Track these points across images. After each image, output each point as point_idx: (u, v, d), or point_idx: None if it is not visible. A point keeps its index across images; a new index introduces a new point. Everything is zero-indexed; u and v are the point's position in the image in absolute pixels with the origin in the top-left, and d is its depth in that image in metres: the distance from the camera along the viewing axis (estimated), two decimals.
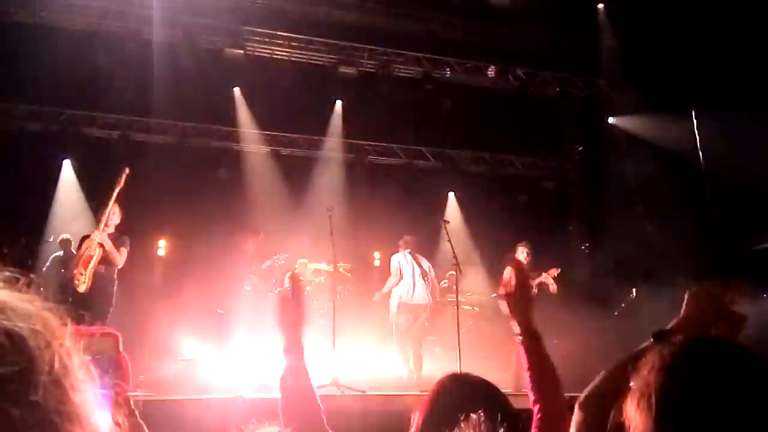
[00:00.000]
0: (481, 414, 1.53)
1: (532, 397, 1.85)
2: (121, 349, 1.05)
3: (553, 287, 8.32)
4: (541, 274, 8.34)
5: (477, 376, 1.89)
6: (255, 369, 6.88)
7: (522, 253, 8.44)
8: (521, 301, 1.98)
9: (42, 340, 0.60)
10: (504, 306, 1.99)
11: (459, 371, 1.97)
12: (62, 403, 0.59)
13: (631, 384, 1.12)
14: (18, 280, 0.64)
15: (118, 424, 0.86)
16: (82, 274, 6.40)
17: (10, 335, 0.59)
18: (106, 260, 6.61)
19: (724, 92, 9.36)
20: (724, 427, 1.01)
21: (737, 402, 1.03)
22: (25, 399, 0.57)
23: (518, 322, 1.93)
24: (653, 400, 1.06)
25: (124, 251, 6.76)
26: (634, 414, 1.09)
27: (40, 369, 0.59)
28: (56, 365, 0.60)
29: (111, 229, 6.82)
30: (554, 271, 8.34)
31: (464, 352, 7.26)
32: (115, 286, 6.80)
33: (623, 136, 11.79)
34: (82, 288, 6.39)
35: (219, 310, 8.16)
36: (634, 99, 11.33)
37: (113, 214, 6.84)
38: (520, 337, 1.92)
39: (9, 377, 0.56)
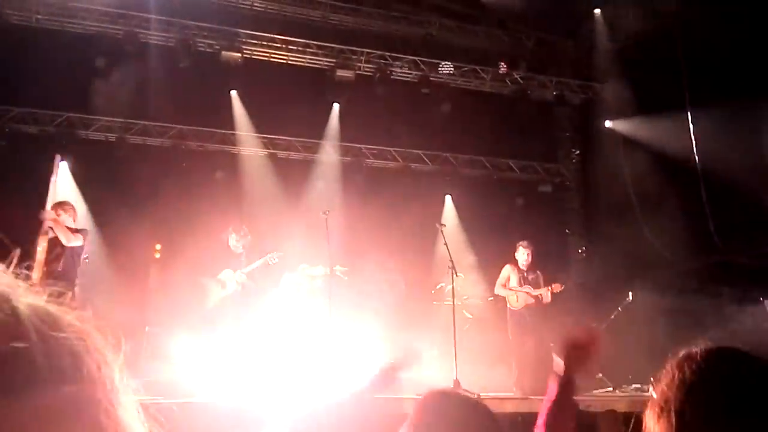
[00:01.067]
0: None
1: (540, 420, 1.90)
2: None
3: (547, 299, 8.28)
4: (541, 286, 8.30)
5: (465, 395, 1.89)
6: (248, 372, 6.86)
7: (523, 254, 8.41)
8: (581, 361, 2.05)
9: (98, 358, 0.60)
10: (559, 353, 2.05)
11: (447, 388, 1.98)
12: (115, 423, 0.59)
13: (653, 395, 1.14)
14: (63, 294, 0.64)
15: None
16: (34, 269, 6.27)
17: (73, 354, 0.58)
18: (59, 253, 6.46)
19: (721, 95, 9.39)
20: None
21: (757, 417, 1.03)
22: (88, 421, 0.56)
23: (566, 370, 2.01)
24: (673, 415, 1.07)
25: (80, 236, 6.65)
26: (654, 426, 1.11)
27: (99, 390, 0.58)
28: (110, 385, 0.60)
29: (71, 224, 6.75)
30: (557, 287, 8.30)
31: (461, 355, 7.25)
32: (76, 288, 6.69)
33: (620, 139, 11.82)
34: (34, 279, 6.23)
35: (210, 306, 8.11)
36: (630, 102, 11.36)
37: (64, 212, 6.74)
38: (559, 377, 2.00)
39: (72, 398, 0.55)
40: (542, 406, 1.99)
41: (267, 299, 8.14)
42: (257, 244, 8.13)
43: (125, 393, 0.61)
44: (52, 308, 0.60)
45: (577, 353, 2.03)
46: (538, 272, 8.46)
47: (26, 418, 0.53)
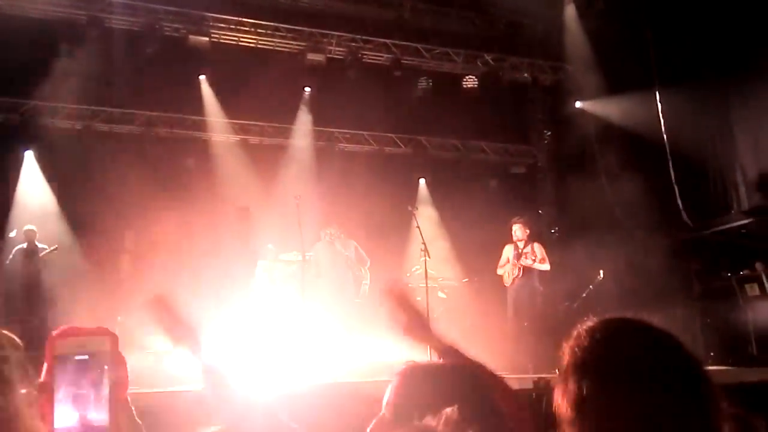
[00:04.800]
0: (455, 410, 1.52)
1: None
2: (118, 348, 1.04)
3: (543, 268, 8.45)
4: (536, 257, 8.42)
5: (443, 363, 1.88)
6: (224, 360, 6.84)
7: (516, 230, 8.57)
8: (418, 329, 1.90)
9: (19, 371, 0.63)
10: (412, 342, 1.88)
11: (424, 361, 1.92)
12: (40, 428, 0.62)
13: (557, 375, 1.18)
14: None
15: (115, 425, 0.88)
16: None
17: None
18: None
19: (688, 74, 9.52)
20: (641, 414, 1.05)
21: (648, 382, 1.07)
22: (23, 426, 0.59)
23: (432, 348, 1.86)
24: (574, 394, 1.11)
25: None
26: (562, 403, 1.14)
27: (27, 398, 0.61)
28: (32, 395, 0.63)
29: None
30: (539, 247, 8.48)
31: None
32: None
33: (590, 119, 11.92)
34: None
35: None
36: (600, 83, 11.45)
37: None
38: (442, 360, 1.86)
39: (13, 403, 0.58)
40: None
41: (244, 288, 8.10)
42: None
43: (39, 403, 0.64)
44: None
45: (405, 319, 1.90)
46: (534, 244, 8.57)
47: None
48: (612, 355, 1.11)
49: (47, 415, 0.84)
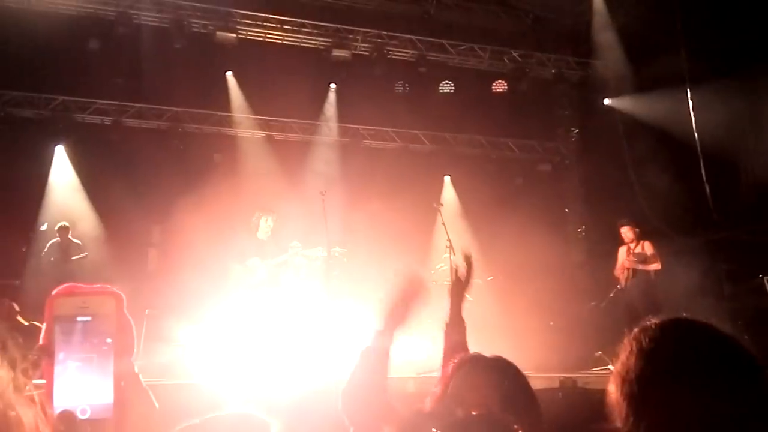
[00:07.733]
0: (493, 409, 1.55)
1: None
2: (124, 310, 0.93)
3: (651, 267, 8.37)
4: (647, 257, 8.38)
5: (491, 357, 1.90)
6: (246, 353, 6.89)
7: (624, 232, 8.57)
8: (462, 291, 2.11)
9: None
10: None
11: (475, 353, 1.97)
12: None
13: (612, 367, 1.20)
14: None
15: (120, 397, 0.81)
16: None
17: None
18: None
19: (720, 71, 9.33)
20: (700, 409, 1.07)
21: (712, 381, 1.09)
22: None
23: (451, 307, 2.08)
24: (634, 382, 1.13)
25: None
26: (618, 395, 1.15)
27: None
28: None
29: None
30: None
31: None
32: None
33: (618, 117, 11.75)
34: None
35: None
36: (629, 80, 11.28)
37: None
38: (446, 325, 2.09)
39: None
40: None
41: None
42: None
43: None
44: None
45: (405, 303, 1.94)
46: (645, 243, 8.55)
47: None
48: (684, 351, 1.14)
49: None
